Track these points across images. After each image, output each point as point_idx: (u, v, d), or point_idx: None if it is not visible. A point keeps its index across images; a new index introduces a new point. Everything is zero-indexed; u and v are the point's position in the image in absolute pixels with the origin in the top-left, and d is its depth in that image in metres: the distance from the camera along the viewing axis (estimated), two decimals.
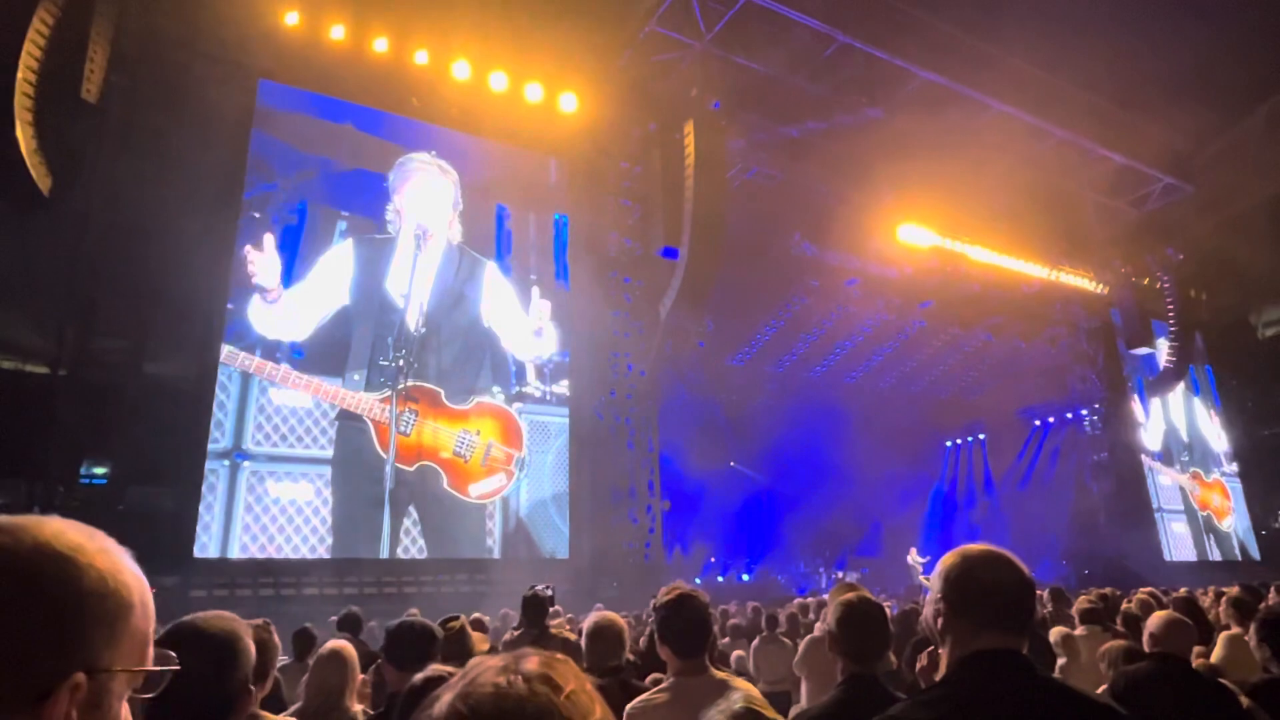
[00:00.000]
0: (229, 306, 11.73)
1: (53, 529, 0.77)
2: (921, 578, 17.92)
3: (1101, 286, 20.85)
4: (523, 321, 14.16)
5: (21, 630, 0.71)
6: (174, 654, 0.85)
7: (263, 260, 12.02)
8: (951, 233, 18.02)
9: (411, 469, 12.40)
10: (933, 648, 3.29)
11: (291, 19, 12.59)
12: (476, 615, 6.61)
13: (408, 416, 12.54)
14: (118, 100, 11.26)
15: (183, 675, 1.51)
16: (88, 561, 0.76)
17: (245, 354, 11.74)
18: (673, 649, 2.62)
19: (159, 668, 0.81)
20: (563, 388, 14.58)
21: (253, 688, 1.57)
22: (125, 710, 0.78)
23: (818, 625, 6.82)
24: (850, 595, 2.70)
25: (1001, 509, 24.18)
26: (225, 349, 11.58)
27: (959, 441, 27.01)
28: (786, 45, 14.62)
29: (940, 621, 1.74)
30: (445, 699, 0.72)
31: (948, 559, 1.79)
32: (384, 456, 12.10)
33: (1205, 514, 22.51)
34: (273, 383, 11.90)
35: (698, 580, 19.00)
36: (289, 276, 12.40)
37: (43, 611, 0.72)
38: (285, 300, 12.21)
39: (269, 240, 12.16)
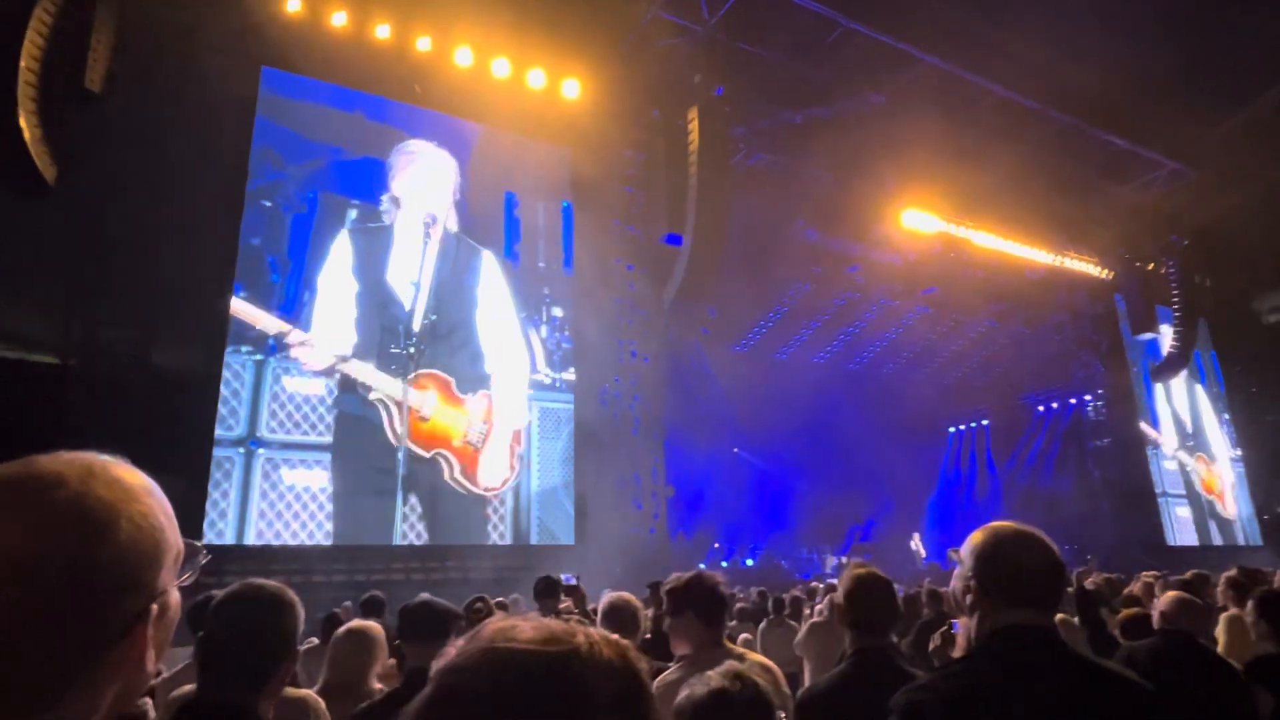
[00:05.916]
0: (241, 295, 11.74)
1: (102, 477, 0.82)
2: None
3: (1106, 272, 20.79)
4: (504, 323, 14.10)
5: (105, 583, 0.78)
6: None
7: (252, 312, 11.89)
8: (956, 218, 17.97)
9: (428, 455, 12.47)
10: (945, 628, 3.32)
11: (293, 5, 12.49)
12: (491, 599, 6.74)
13: (428, 399, 12.61)
14: (121, 89, 11.21)
15: (239, 625, 1.59)
16: (136, 509, 0.83)
17: (261, 311, 11.76)
18: (696, 614, 2.67)
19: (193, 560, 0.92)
20: (571, 375, 14.61)
21: (299, 649, 1.64)
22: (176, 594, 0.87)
23: (820, 609, 6.90)
24: (859, 569, 2.74)
25: (1004, 494, 24.26)
26: (234, 301, 11.57)
27: (962, 428, 27.04)
28: (790, 30, 14.52)
29: (969, 598, 1.76)
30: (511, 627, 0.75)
31: (977, 535, 1.80)
32: (395, 443, 12.16)
33: (1209, 499, 22.56)
34: (291, 349, 11.91)
35: (702, 565, 19.10)
36: (302, 263, 12.41)
37: (121, 562, 0.79)
38: (320, 329, 12.24)
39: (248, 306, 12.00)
